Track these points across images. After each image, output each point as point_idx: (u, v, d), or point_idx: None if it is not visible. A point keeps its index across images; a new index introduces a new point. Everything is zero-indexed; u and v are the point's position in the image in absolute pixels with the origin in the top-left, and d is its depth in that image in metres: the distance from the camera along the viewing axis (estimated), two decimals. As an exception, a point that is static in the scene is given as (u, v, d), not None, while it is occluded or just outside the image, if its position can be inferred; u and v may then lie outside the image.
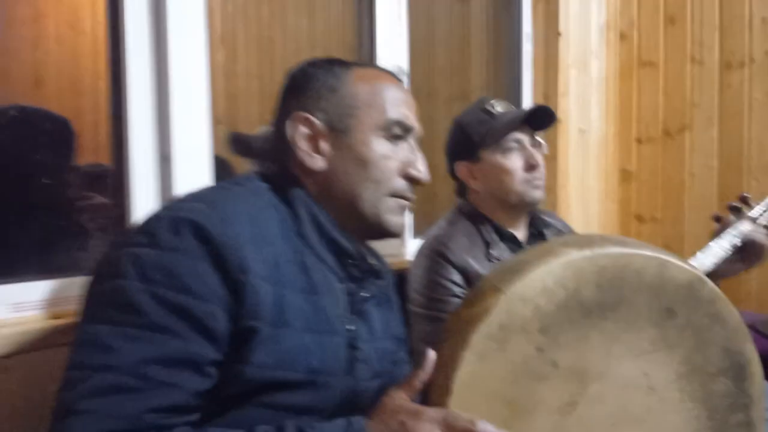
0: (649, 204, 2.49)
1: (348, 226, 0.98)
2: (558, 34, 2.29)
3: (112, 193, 1.41)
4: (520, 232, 1.54)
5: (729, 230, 1.43)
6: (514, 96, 2.39)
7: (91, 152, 1.47)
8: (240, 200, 0.90)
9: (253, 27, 2.55)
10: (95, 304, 0.81)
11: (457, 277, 1.42)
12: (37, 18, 2.48)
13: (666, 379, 0.84)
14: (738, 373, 0.87)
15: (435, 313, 1.41)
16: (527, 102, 2.37)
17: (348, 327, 0.96)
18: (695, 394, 0.85)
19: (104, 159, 1.65)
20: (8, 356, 1.01)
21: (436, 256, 1.44)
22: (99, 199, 1.41)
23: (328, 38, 2.48)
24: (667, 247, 2.09)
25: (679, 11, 2.40)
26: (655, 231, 2.47)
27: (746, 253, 1.45)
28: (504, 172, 1.46)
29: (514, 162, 1.46)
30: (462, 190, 1.58)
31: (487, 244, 1.47)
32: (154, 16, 1.25)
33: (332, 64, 1.02)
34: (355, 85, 0.99)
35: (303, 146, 0.97)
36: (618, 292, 0.80)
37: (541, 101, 2.33)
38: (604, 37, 2.50)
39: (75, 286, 1.16)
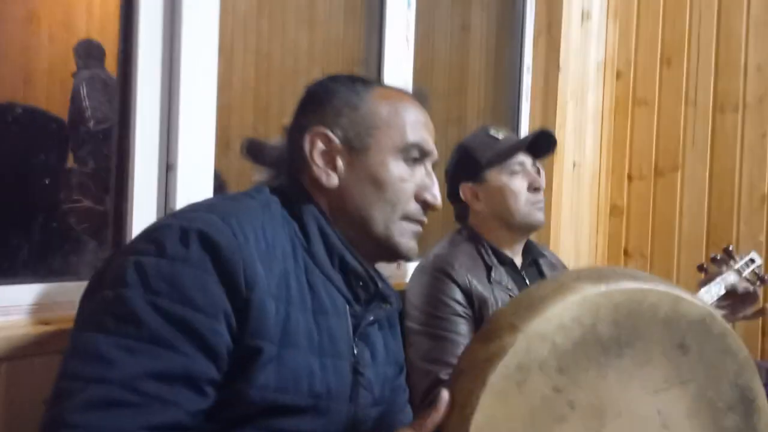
0: (638, 240, 2.51)
1: (358, 247, 0.96)
2: (558, 67, 2.31)
3: (98, 197, 1.38)
4: (518, 258, 1.57)
5: (717, 281, 1.47)
6: (512, 124, 2.41)
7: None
8: (252, 213, 0.88)
9: (252, 39, 2.55)
10: (95, 311, 0.78)
11: (459, 296, 1.42)
12: (30, 17, 2.45)
13: (679, 416, 0.83)
14: (747, 408, 0.87)
15: (436, 331, 1.40)
16: (525, 130, 2.39)
17: (353, 351, 0.94)
18: (706, 429, 0.85)
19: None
20: (-4, 362, 0.97)
21: (439, 273, 1.44)
22: (86, 203, 1.38)
23: (327, 54, 2.48)
24: (655, 285, 2.11)
25: (676, 53, 2.44)
26: (642, 267, 2.49)
27: (734, 304, 1.51)
28: (509, 192, 1.50)
29: (519, 184, 1.50)
30: (462, 213, 1.59)
31: (488, 267, 1.48)
32: (168, 26, 1.23)
33: (354, 81, 1.01)
34: (377, 104, 0.97)
35: (320, 162, 0.95)
36: (634, 328, 0.80)
37: (538, 132, 2.35)
38: (602, 73, 2.54)
39: (66, 291, 1.13)
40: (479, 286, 1.44)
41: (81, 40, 2.29)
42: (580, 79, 2.41)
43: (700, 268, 1.56)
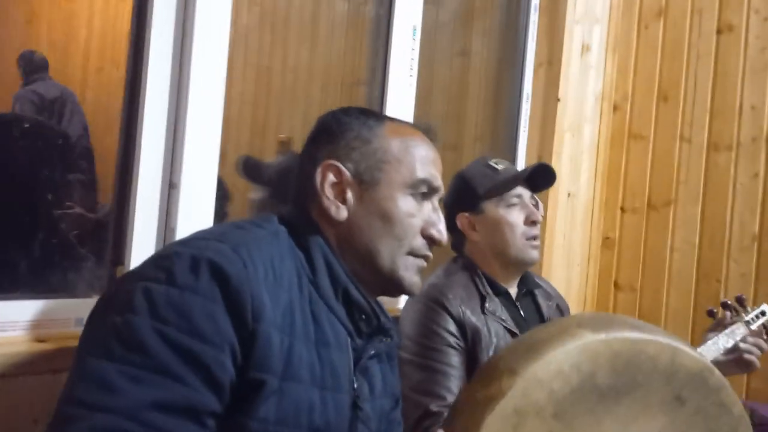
0: (629, 273, 2.53)
1: (363, 280, 0.96)
2: (557, 98, 2.34)
3: (89, 205, 1.37)
4: (513, 289, 1.56)
5: (725, 331, 1.48)
6: (510, 153, 2.42)
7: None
8: (261, 244, 0.88)
9: (252, 55, 2.55)
10: (102, 336, 0.77)
11: (452, 327, 1.42)
12: (30, 21, 2.44)
13: (673, 468, 0.84)
14: None
15: (427, 362, 1.39)
16: (521, 159, 2.40)
17: (353, 385, 0.94)
18: (701, 483, 0.85)
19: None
20: (-9, 378, 0.95)
21: (433, 303, 1.44)
22: (77, 209, 1.36)
23: (327, 73, 2.49)
24: (644, 318, 2.12)
25: (673, 90, 2.48)
26: (632, 300, 2.50)
27: (740, 358, 1.50)
28: (506, 225, 1.50)
29: (516, 216, 1.50)
30: (459, 243, 1.59)
31: (483, 298, 1.48)
32: (178, 43, 1.23)
33: (366, 115, 1.01)
34: (388, 139, 0.98)
35: (330, 195, 0.96)
36: (632, 378, 0.81)
37: (535, 161, 2.37)
38: (599, 106, 2.57)
39: (63, 308, 1.12)
40: (473, 317, 1.43)
41: (24, 52, 2.23)
42: (577, 111, 2.44)
43: (710, 313, 1.56)
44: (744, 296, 1.57)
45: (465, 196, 1.55)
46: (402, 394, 1.39)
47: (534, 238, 1.51)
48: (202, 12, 1.25)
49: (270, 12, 2.55)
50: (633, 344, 0.81)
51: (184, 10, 1.24)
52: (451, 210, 1.58)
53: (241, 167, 1.87)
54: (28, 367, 1.00)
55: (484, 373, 0.84)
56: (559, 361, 0.78)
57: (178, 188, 1.23)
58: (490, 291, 1.50)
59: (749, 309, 1.55)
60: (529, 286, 1.60)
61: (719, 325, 1.51)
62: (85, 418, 0.71)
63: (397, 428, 1.10)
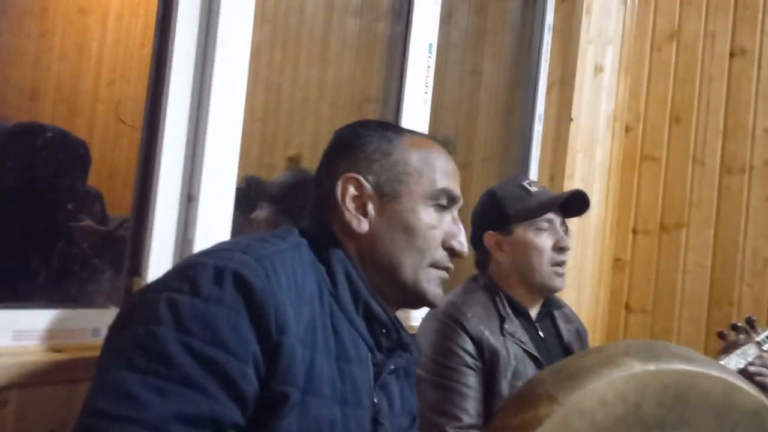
0: (640, 295, 2.51)
1: (384, 293, 0.95)
2: (570, 118, 2.34)
3: (99, 218, 1.36)
4: (534, 311, 1.54)
5: (736, 352, 1.46)
6: (521, 171, 2.41)
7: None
8: (284, 256, 0.87)
9: (263, 70, 2.56)
10: (125, 347, 0.75)
11: (470, 347, 1.40)
12: (43, 33, 2.45)
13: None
14: None
15: (444, 381, 1.37)
16: (533, 179, 2.39)
17: (374, 400, 0.93)
18: None
19: (95, 181, 1.61)
20: (7, 388, 0.93)
21: (451, 322, 1.42)
22: (88, 222, 1.35)
23: (338, 91, 2.50)
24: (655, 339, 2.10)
25: (686, 112, 2.48)
26: (644, 322, 2.48)
27: (751, 381, 1.47)
28: (534, 249, 1.48)
29: (545, 241, 1.48)
30: (483, 261, 1.57)
31: (502, 319, 1.46)
32: (200, 57, 1.23)
33: (386, 128, 1.01)
34: (408, 151, 0.98)
35: (351, 208, 0.95)
36: (681, 413, 0.78)
37: (546, 181, 2.36)
38: (611, 126, 2.56)
39: (80, 318, 1.10)
40: (491, 337, 1.41)
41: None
42: (590, 131, 2.44)
43: (721, 335, 1.55)
44: (754, 317, 1.56)
45: (495, 215, 1.53)
46: (418, 412, 1.38)
47: (560, 264, 1.49)
48: (224, 25, 1.25)
49: (282, 29, 2.56)
50: (684, 377, 0.78)
51: (207, 23, 1.24)
52: (479, 227, 1.57)
53: (245, 187, 1.87)
54: (44, 376, 0.98)
55: (521, 397, 0.82)
56: (603, 391, 0.75)
57: (196, 201, 1.22)
58: (510, 312, 1.48)
59: (759, 330, 1.54)
60: (550, 307, 1.58)
61: (730, 347, 1.50)
62: (109, 429, 0.70)
63: (417, 447, 1.08)
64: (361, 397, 0.90)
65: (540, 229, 1.49)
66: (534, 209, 1.49)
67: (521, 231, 1.49)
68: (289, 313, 0.80)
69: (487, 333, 1.41)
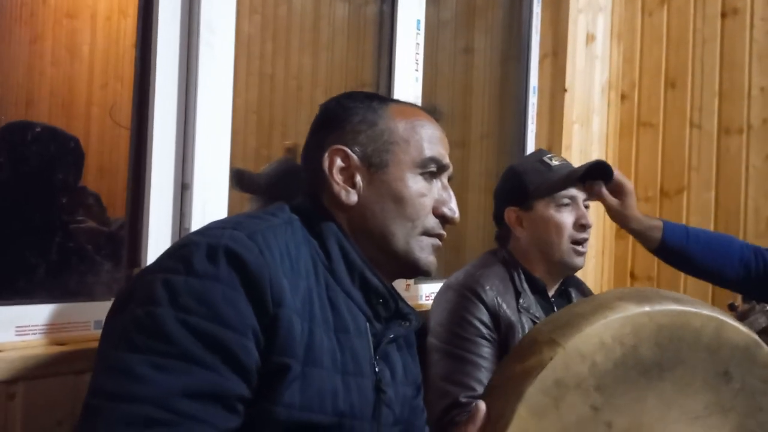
0: (644, 262, 2.50)
1: (379, 263, 0.96)
2: (564, 89, 2.32)
3: (101, 219, 1.36)
4: (551, 288, 1.54)
5: (746, 321, 1.47)
6: (518, 146, 2.41)
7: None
8: (276, 231, 0.87)
9: (255, 62, 2.55)
10: (124, 329, 0.77)
11: (486, 318, 1.40)
12: (34, 39, 2.45)
13: (718, 445, 0.81)
14: None
15: (458, 351, 1.38)
16: (530, 152, 2.39)
17: (375, 369, 0.93)
18: (746, 460, 0.83)
19: (93, 183, 1.61)
20: (13, 381, 0.95)
21: (468, 292, 1.42)
22: (89, 223, 1.36)
23: (331, 77, 2.49)
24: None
25: (680, 76, 2.46)
26: (649, 290, 2.48)
27: None
28: (554, 225, 1.46)
29: (566, 218, 1.47)
30: (504, 236, 1.56)
31: (518, 293, 1.46)
32: (185, 48, 1.23)
33: (371, 98, 1.01)
34: (394, 120, 0.98)
35: (339, 180, 0.95)
36: (676, 352, 0.78)
37: (544, 154, 2.35)
38: (607, 95, 2.55)
39: (81, 311, 1.11)
40: (508, 310, 1.41)
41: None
42: (585, 102, 2.43)
43: (731, 306, 1.54)
44: None
45: (515, 190, 1.52)
46: (431, 382, 1.38)
47: (581, 243, 1.47)
48: (206, 14, 1.25)
49: (271, 20, 2.55)
50: (677, 317, 0.79)
51: (189, 12, 1.24)
52: (500, 202, 1.56)
53: (235, 181, 1.87)
54: (49, 369, 1.00)
55: (521, 348, 0.82)
56: (601, 334, 0.75)
57: (190, 189, 1.22)
58: (526, 287, 1.48)
59: None
60: (567, 285, 1.57)
61: (740, 318, 1.49)
62: (114, 408, 0.71)
63: (421, 415, 1.10)
64: (362, 366, 0.91)
65: (561, 205, 1.47)
66: (553, 184, 1.47)
67: (542, 207, 1.48)
68: (284, 286, 0.81)
69: (504, 306, 1.41)
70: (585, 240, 1.48)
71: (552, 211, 1.47)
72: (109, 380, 0.73)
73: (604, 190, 1.54)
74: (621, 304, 0.78)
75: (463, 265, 1.58)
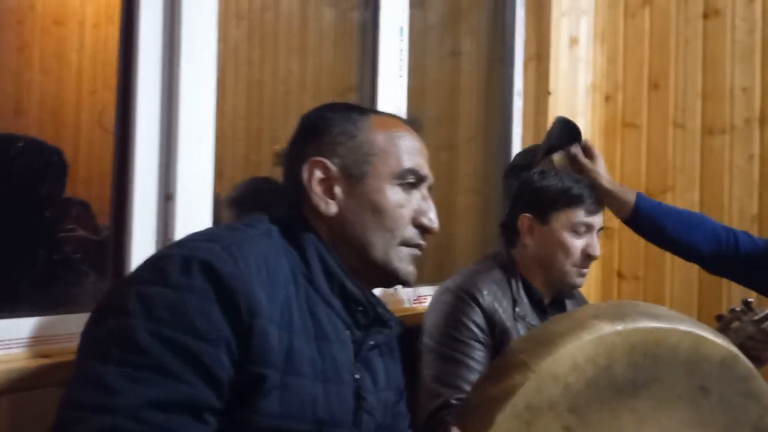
0: (631, 262, 2.52)
1: (358, 273, 0.97)
2: (548, 92, 2.34)
3: (92, 226, 1.37)
4: (547, 298, 1.55)
5: (733, 329, 1.47)
6: (504, 149, 2.43)
7: (69, 183, 1.45)
8: (253, 242, 0.89)
9: (243, 68, 2.57)
10: (98, 341, 0.78)
11: (482, 322, 1.41)
12: (22, 47, 2.45)
13: (695, 459, 0.82)
14: None
15: (452, 353, 1.39)
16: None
17: (355, 376, 0.95)
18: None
19: (83, 190, 1.62)
20: (-2, 394, 0.96)
21: (466, 296, 1.43)
22: (80, 232, 1.37)
23: (319, 82, 2.50)
24: (649, 306, 2.12)
25: (663, 77, 2.49)
26: (636, 289, 2.50)
27: (747, 355, 1.48)
28: (563, 247, 1.47)
29: (577, 244, 1.48)
30: (511, 240, 1.57)
31: (515, 301, 1.47)
32: (167, 56, 1.24)
33: (350, 109, 1.02)
34: (373, 132, 0.99)
35: (318, 191, 0.96)
36: (651, 370, 0.79)
37: (530, 156, 2.37)
38: (590, 97, 2.57)
39: (66, 323, 1.12)
40: (504, 316, 1.43)
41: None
42: (569, 103, 2.45)
43: (719, 317, 1.55)
44: (751, 299, 1.56)
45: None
46: (423, 382, 1.40)
47: (584, 267, 1.50)
48: (188, 24, 1.26)
49: (258, 26, 2.56)
50: (651, 334, 0.80)
51: (171, 21, 1.25)
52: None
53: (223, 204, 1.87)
54: (35, 381, 1.01)
55: (496, 368, 0.83)
56: (574, 355, 0.77)
57: (174, 199, 1.23)
58: (523, 295, 1.49)
59: (758, 311, 1.54)
60: (563, 296, 1.59)
61: (727, 328, 1.50)
62: (87, 419, 0.72)
63: (403, 420, 1.11)
64: (341, 374, 0.92)
65: (576, 233, 1.48)
66: (540, 153, 1.50)
67: (558, 225, 1.48)
68: (259, 297, 0.82)
69: (500, 311, 1.43)
70: (588, 267, 1.50)
71: (566, 233, 1.47)
72: (81, 391, 0.74)
73: (578, 150, 1.55)
74: (595, 323, 0.79)
75: (453, 267, 1.59)
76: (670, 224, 1.57)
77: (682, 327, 0.81)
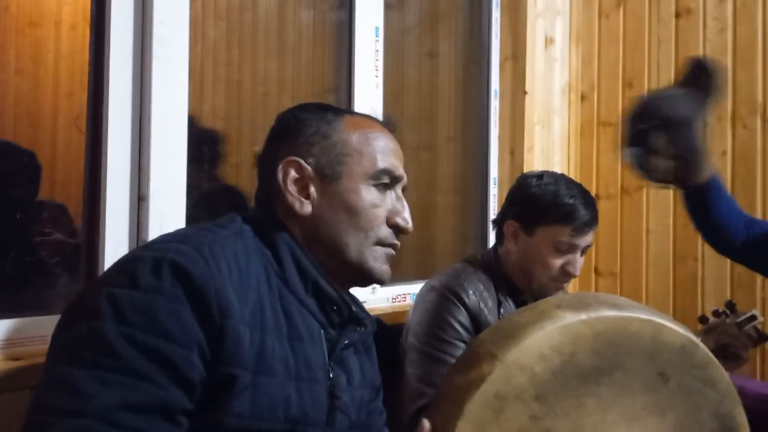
0: (607, 258, 2.56)
1: (332, 272, 0.98)
2: (524, 92, 2.37)
3: (69, 230, 1.37)
4: (531, 297, 1.54)
5: (715, 332, 1.49)
6: (482, 149, 2.45)
7: (46, 186, 1.44)
8: (224, 243, 0.89)
9: (221, 69, 2.56)
10: (68, 344, 0.78)
11: (467, 322, 1.41)
12: (-3, 49, 2.42)
13: (658, 444, 0.84)
14: None
15: (437, 353, 1.39)
16: (494, 154, 2.43)
17: (329, 375, 0.95)
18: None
19: (60, 193, 1.61)
20: (-31, 398, 0.95)
21: (450, 295, 1.43)
22: (57, 235, 1.36)
23: (297, 83, 2.50)
24: (626, 302, 2.14)
25: (638, 77, 2.52)
26: (613, 285, 2.53)
27: (726, 353, 1.50)
28: (542, 262, 1.46)
29: (556, 261, 1.46)
30: (499, 240, 1.57)
31: (499, 302, 1.48)
32: (138, 57, 1.24)
33: (325, 110, 1.03)
34: (347, 132, 1.00)
35: (293, 191, 0.97)
36: (614, 357, 0.81)
37: (507, 155, 2.39)
38: (567, 97, 2.60)
39: (38, 325, 1.12)
40: (489, 316, 1.43)
41: None
42: (546, 103, 2.47)
43: (702, 319, 1.56)
44: (734, 301, 1.58)
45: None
46: (407, 381, 1.40)
47: (562, 282, 1.49)
48: (159, 25, 1.26)
49: (236, 26, 2.56)
50: (614, 323, 0.81)
51: (142, 22, 1.25)
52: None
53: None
54: (6, 383, 1.00)
55: (464, 359, 0.84)
56: (539, 345, 0.78)
57: (147, 200, 1.23)
58: (507, 296, 1.50)
59: (740, 313, 1.55)
60: (547, 295, 1.56)
61: (710, 329, 1.51)
62: (57, 423, 0.72)
63: (379, 418, 1.11)
64: (315, 373, 0.92)
65: (558, 250, 1.45)
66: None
67: (542, 238, 1.46)
68: (231, 297, 0.82)
69: (485, 311, 1.43)
70: (567, 284, 1.50)
71: (548, 249, 1.45)
72: (51, 395, 0.74)
73: None
74: (559, 313, 0.80)
75: (433, 267, 1.59)
76: (715, 202, 1.50)
77: (643, 315, 0.83)
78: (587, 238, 1.47)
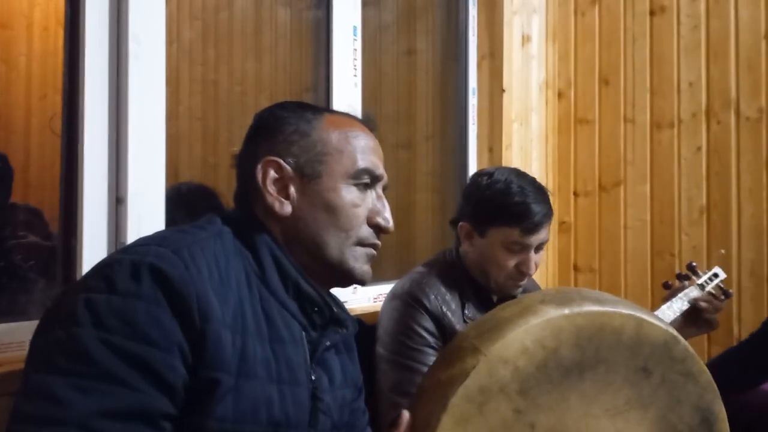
0: (587, 254, 2.58)
1: (313, 273, 0.96)
2: (502, 90, 2.38)
3: (44, 233, 1.34)
4: (496, 294, 1.54)
5: (679, 296, 1.51)
6: (461, 146, 2.45)
7: (20, 190, 1.41)
8: (204, 245, 0.87)
9: (198, 69, 2.53)
10: (46, 351, 0.76)
11: (431, 327, 1.41)
12: (-33, 51, 2.38)
13: (638, 437, 0.85)
14: (708, 430, 0.88)
15: (406, 362, 1.39)
16: (473, 152, 2.44)
17: (311, 377, 0.94)
18: (667, 452, 0.86)
19: (34, 197, 1.58)
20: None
21: (412, 301, 1.42)
22: (31, 238, 1.34)
23: (274, 82, 2.49)
24: (605, 297, 2.17)
25: (613, 73, 2.55)
26: (592, 281, 2.56)
27: (697, 318, 1.53)
28: (496, 262, 1.45)
29: (509, 260, 1.44)
30: (458, 242, 1.55)
31: (463, 304, 1.47)
32: (114, 58, 1.22)
33: (304, 108, 1.01)
34: (327, 131, 0.98)
35: (272, 191, 0.95)
36: (596, 352, 0.81)
37: (486, 152, 2.40)
38: (544, 94, 2.62)
39: (15, 331, 1.10)
40: (453, 318, 1.42)
41: None
42: (523, 101, 2.49)
43: (666, 285, 1.59)
44: (695, 263, 1.61)
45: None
46: (381, 392, 1.39)
47: (519, 281, 1.47)
48: (134, 28, 1.24)
49: (212, 26, 2.53)
50: (596, 318, 0.81)
51: (117, 28, 1.23)
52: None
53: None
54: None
55: (447, 354, 0.84)
56: (522, 339, 0.78)
57: (125, 203, 1.21)
58: (471, 295, 1.49)
59: (701, 273, 1.59)
60: (513, 292, 1.55)
61: (674, 293, 1.54)
62: None
63: (362, 417, 1.11)
64: (297, 375, 0.91)
65: (510, 251, 1.43)
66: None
67: (494, 239, 1.44)
68: (211, 300, 0.81)
69: (448, 314, 1.42)
70: (524, 281, 1.47)
71: (499, 249, 1.43)
72: (30, 404, 0.72)
73: None
74: (542, 307, 0.80)
75: (414, 265, 1.58)
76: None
77: (625, 310, 0.84)
78: (539, 236, 1.44)
